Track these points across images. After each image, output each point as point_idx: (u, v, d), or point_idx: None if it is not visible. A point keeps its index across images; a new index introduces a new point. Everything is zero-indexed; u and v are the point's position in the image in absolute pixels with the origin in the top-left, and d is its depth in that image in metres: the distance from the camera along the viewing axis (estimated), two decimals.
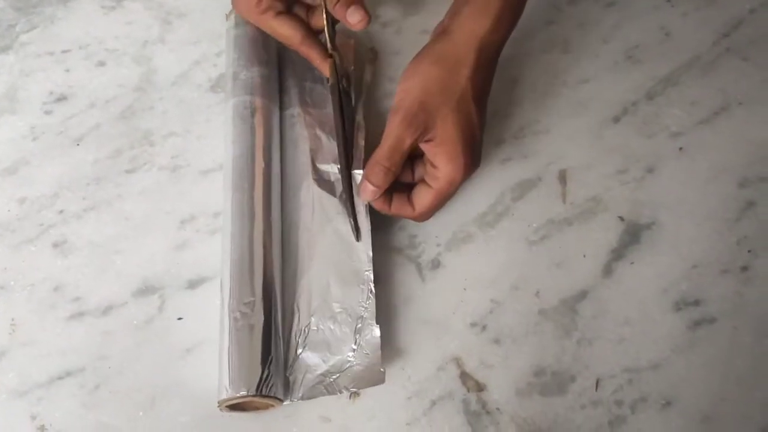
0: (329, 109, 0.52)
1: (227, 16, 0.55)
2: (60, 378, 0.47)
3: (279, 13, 0.51)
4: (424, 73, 0.46)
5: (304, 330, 0.46)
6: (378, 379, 0.44)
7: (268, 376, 0.43)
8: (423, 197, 0.47)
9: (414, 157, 0.48)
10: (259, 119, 0.51)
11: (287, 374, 0.45)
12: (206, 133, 0.55)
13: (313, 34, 0.52)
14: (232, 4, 0.53)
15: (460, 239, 0.51)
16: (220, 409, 0.43)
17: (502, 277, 0.50)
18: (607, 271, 0.50)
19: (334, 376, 0.44)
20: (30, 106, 0.56)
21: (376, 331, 0.45)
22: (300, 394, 0.44)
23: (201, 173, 0.54)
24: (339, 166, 0.50)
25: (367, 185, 0.47)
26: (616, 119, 0.55)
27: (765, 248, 0.50)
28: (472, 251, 0.50)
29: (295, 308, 0.47)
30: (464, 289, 0.49)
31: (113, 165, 0.54)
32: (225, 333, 0.44)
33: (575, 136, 0.54)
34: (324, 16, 0.50)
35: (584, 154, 0.54)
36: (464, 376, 0.47)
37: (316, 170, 0.51)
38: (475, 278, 0.50)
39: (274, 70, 0.54)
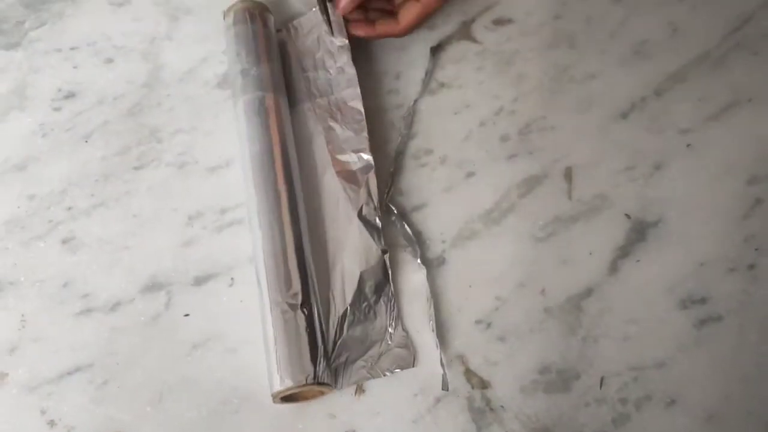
0: (336, 95, 0.53)
1: (224, 15, 0.55)
2: (69, 373, 0.48)
3: None
4: None
5: (341, 319, 0.47)
6: (417, 359, 0.46)
7: (321, 364, 0.44)
8: (410, 12, 0.51)
9: None
10: (272, 116, 0.51)
11: (331, 362, 0.46)
12: (214, 129, 0.55)
13: None
14: None
15: (465, 236, 0.51)
16: (274, 401, 0.44)
17: (507, 275, 0.50)
18: (613, 268, 0.49)
19: (375, 360, 0.46)
20: (39, 103, 0.57)
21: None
22: (345, 381, 0.46)
23: (208, 170, 0.54)
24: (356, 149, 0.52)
25: None
26: (624, 115, 0.55)
27: None
28: (477, 248, 0.50)
29: (331, 298, 0.48)
30: (469, 286, 0.49)
31: (121, 162, 0.54)
32: (269, 325, 0.45)
33: (582, 132, 0.54)
34: None
35: (591, 150, 0.53)
36: (469, 374, 0.47)
37: (336, 162, 0.52)
38: (480, 275, 0.50)
39: (279, 65, 0.54)
